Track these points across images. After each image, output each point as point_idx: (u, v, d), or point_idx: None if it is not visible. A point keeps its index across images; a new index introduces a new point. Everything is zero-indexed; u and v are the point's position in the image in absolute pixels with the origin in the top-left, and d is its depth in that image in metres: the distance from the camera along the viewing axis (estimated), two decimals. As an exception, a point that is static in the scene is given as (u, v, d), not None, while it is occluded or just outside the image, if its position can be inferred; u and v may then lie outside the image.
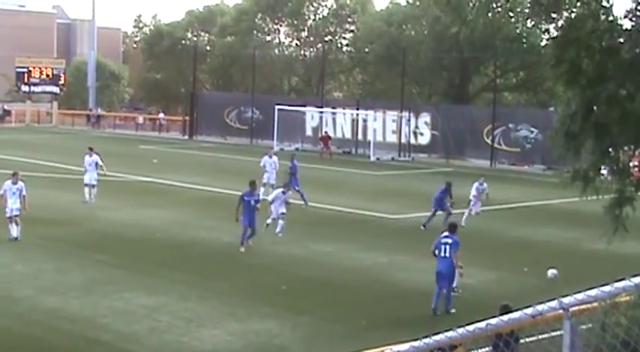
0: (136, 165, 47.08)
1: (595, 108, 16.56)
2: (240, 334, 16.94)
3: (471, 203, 31.15)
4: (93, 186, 33.55)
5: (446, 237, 19.56)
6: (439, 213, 29.49)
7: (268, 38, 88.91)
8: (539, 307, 5.52)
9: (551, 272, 21.72)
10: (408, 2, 74.80)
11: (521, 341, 10.66)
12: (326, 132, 60.63)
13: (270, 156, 36.49)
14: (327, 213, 32.78)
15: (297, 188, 33.77)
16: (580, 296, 5.34)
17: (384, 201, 35.25)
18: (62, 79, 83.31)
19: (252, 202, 25.45)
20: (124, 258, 23.62)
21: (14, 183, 25.84)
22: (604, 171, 17.49)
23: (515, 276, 22.79)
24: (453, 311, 18.85)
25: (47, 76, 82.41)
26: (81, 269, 21.93)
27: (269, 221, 27.23)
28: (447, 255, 19.26)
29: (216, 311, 18.46)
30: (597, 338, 7.39)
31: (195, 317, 17.86)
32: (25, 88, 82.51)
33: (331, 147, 58.27)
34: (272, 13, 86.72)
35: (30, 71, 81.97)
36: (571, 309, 5.39)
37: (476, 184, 31.71)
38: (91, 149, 34.93)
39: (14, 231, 25.25)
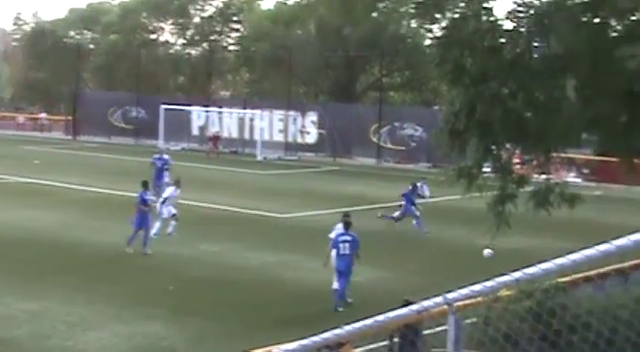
0: (17, 166, 45.94)
1: (478, 106, 16.91)
2: (127, 336, 16.71)
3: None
4: None
5: (344, 234, 19.72)
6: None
7: (153, 37, 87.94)
8: (425, 303, 5.58)
9: (487, 251, 22.39)
10: (296, 2, 75.00)
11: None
12: (217, 132, 60.39)
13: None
14: (214, 212, 32.60)
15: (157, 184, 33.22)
16: (464, 291, 5.42)
17: (272, 201, 35.26)
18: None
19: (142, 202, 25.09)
20: (5, 261, 23.02)
21: None
22: (487, 169, 17.89)
23: (402, 273, 23.07)
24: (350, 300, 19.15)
25: None
26: (-40, 274, 21.31)
27: (167, 230, 26.82)
28: (348, 252, 19.42)
29: (102, 314, 18.15)
30: (480, 332, 7.54)
31: (81, 321, 17.53)
32: None
33: (219, 147, 58.08)
34: (157, 11, 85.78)
35: None
36: (455, 304, 5.46)
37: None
38: None
39: None
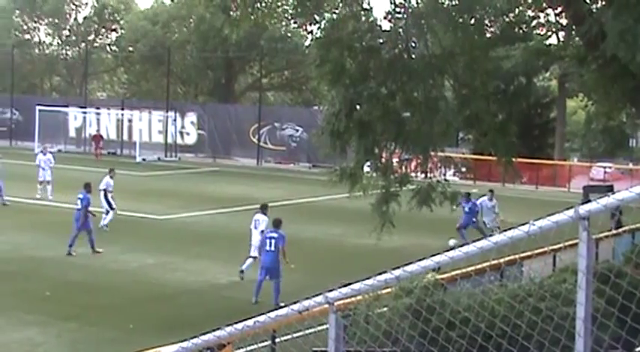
0: None
1: (358, 106, 17.05)
2: (2, 345, 16.21)
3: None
4: None
5: (271, 231, 19.79)
6: None
7: (27, 37, 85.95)
8: (306, 302, 5.56)
9: (452, 241, 22.73)
10: (172, 1, 74.35)
11: (289, 337, 10.73)
12: (98, 131, 59.49)
13: (45, 154, 36.25)
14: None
15: None
16: (345, 290, 5.41)
17: (151, 202, 34.82)
18: None
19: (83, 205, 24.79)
20: None
21: None
22: (367, 168, 18.05)
23: (284, 272, 23.03)
24: (282, 304, 18.76)
25: None
26: None
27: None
28: (273, 248, 19.47)
29: (-26, 321, 17.59)
30: (361, 330, 7.56)
31: (-48, 329, 16.95)
32: None
33: (101, 148, 57.27)
34: (31, 10, 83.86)
35: None
36: (336, 303, 5.46)
37: (484, 199, 28.39)
38: None
39: None
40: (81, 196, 25.12)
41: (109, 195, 28.44)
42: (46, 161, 35.67)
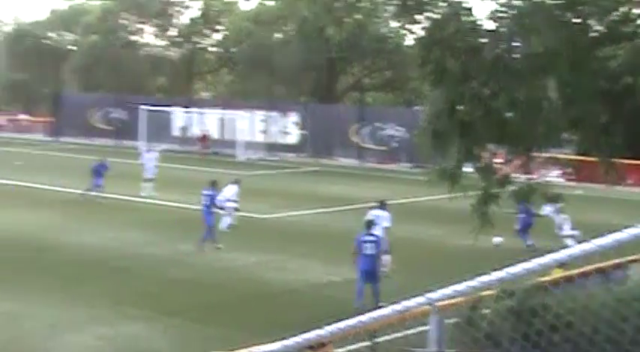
0: (-3, 167, 45.76)
1: (460, 107, 16.94)
2: (110, 338, 16.63)
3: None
4: None
5: (367, 234, 19.42)
6: None
7: (134, 38, 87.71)
8: (407, 303, 5.58)
9: (496, 239, 22.66)
10: (275, 2, 74.94)
11: (389, 337, 10.76)
12: (204, 131, 60.38)
13: (149, 152, 37.59)
14: (194, 213, 32.47)
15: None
16: (446, 291, 5.41)
17: (254, 201, 35.17)
18: None
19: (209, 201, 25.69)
20: (-15, 263, 22.90)
21: None
22: (468, 169, 17.91)
23: (383, 273, 23.04)
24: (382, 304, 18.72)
25: None
26: (-61, 276, 21.17)
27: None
28: (372, 252, 19.12)
29: (83, 316, 18.07)
30: (463, 332, 7.54)
31: (61, 323, 17.44)
32: None
33: (207, 148, 58.11)
34: (137, 12, 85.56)
35: None
36: (437, 304, 5.46)
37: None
38: None
39: None
40: (207, 193, 25.90)
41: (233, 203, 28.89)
42: (151, 159, 36.60)
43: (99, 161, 35.56)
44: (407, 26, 66.18)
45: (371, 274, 19.15)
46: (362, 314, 5.89)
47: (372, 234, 19.57)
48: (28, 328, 17.04)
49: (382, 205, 23.00)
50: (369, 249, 19.15)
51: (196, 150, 58.57)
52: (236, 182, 29.71)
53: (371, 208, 23.11)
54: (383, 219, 22.38)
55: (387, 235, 22.38)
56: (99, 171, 34.82)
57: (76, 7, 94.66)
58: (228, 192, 28.74)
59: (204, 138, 59.02)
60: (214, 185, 26.66)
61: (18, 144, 63.57)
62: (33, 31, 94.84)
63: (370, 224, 19.98)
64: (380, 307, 16.93)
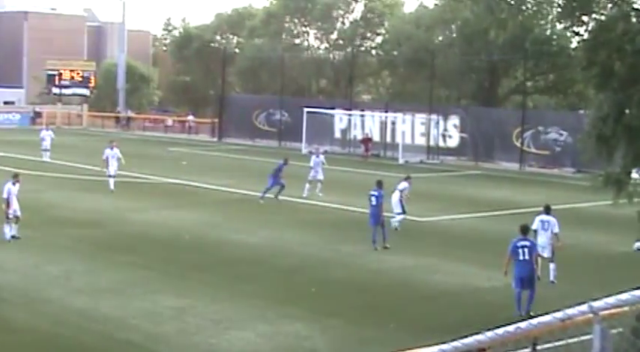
0: (165, 167, 47.30)
1: (627, 111, 16.47)
2: (270, 336, 16.95)
3: None
4: (114, 176, 36.72)
5: (522, 239, 19.02)
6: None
7: (297, 41, 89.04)
8: (569, 311, 5.49)
9: (638, 244, 22.20)
10: (437, 5, 74.63)
11: (550, 345, 10.57)
12: (367, 134, 60.70)
13: (318, 156, 38.13)
14: (354, 215, 32.75)
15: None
16: (610, 300, 5.30)
17: (413, 204, 35.15)
18: (92, 81, 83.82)
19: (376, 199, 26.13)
20: (152, 259, 23.72)
21: (14, 185, 25.70)
22: (636, 175, 17.38)
23: (545, 280, 22.63)
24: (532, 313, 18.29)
25: (78, 78, 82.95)
26: (110, 271, 22.04)
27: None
28: (527, 258, 18.76)
29: (244, 313, 18.48)
30: (628, 343, 7.34)
31: (224, 319, 17.89)
32: (55, 91, 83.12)
33: (370, 150, 58.37)
34: (301, 15, 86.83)
35: (61, 74, 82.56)
36: (601, 313, 5.36)
37: None
38: (111, 141, 38.54)
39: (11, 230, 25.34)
40: (375, 193, 26.23)
41: (404, 199, 29.21)
42: (318, 162, 37.22)
43: (282, 162, 36.13)
44: (572, 28, 64.91)
45: (527, 280, 18.73)
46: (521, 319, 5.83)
47: (526, 239, 19.12)
48: (193, 323, 17.55)
49: (547, 210, 22.48)
50: (524, 255, 18.72)
51: (357, 153, 58.89)
52: (407, 178, 30.23)
53: (537, 214, 22.63)
54: (552, 224, 21.99)
55: (556, 241, 22.00)
56: (277, 173, 35.35)
57: (240, 10, 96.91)
58: (399, 186, 29.66)
59: (366, 141, 59.29)
60: (380, 185, 26.76)
61: (184, 145, 65.56)
62: (199, 34, 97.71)
63: (526, 229, 19.49)
64: (531, 316, 16.62)
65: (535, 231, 21.53)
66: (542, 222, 21.94)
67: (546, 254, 21.65)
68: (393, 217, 28.59)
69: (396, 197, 29.04)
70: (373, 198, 26.17)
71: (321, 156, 38.34)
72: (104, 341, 16.45)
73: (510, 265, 19.00)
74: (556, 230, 21.86)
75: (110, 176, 36.73)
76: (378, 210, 25.96)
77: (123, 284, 20.70)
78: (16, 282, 20.62)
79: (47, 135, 49.12)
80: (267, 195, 34.64)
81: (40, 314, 18.03)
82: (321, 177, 37.12)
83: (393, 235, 27.35)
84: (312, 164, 37.70)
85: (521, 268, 18.70)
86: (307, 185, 36.62)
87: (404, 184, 29.65)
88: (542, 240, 21.58)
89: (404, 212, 29.09)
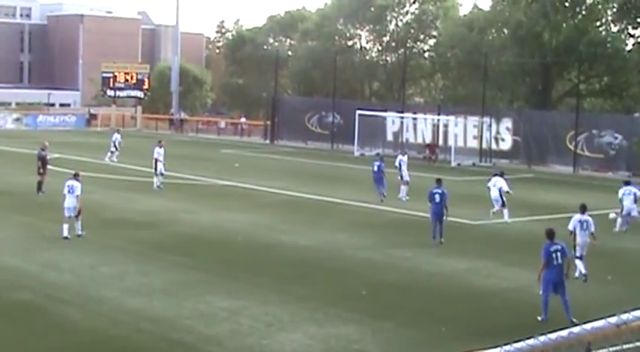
0: (217, 168, 47.61)
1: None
2: (320, 338, 17.00)
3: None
4: (162, 174, 38.10)
5: (554, 244, 18.88)
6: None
7: (350, 43, 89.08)
8: (624, 316, 5.46)
9: (612, 214, 27.04)
10: (491, 7, 74.22)
11: (605, 350, 10.52)
12: (433, 142, 60.43)
13: (404, 155, 40.01)
14: (406, 218, 32.73)
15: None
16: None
17: (465, 207, 35.00)
18: (146, 83, 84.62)
19: None
20: (205, 260, 23.91)
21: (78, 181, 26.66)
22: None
23: (599, 284, 22.43)
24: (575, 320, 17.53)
25: (132, 80, 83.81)
26: (163, 272, 22.25)
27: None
28: (560, 262, 18.66)
29: (295, 315, 18.55)
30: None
31: (276, 321, 17.98)
32: (110, 93, 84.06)
33: (436, 156, 58.21)
34: (354, 18, 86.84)
35: (115, 76, 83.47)
36: (657, 319, 5.32)
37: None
38: (160, 141, 39.66)
39: (66, 230, 25.93)
40: (439, 191, 27.37)
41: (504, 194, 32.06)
42: (403, 162, 38.59)
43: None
44: (627, 30, 64.17)
45: (559, 285, 18.55)
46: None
47: (557, 243, 18.92)
48: (245, 324, 17.67)
49: (584, 210, 22.90)
50: (557, 259, 18.61)
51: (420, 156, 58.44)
52: (501, 174, 33.51)
53: (574, 213, 23.29)
54: (590, 224, 22.50)
55: (593, 239, 22.68)
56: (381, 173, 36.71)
57: (293, 13, 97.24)
58: (501, 184, 32.48)
59: (432, 148, 59.00)
60: (440, 183, 28.16)
61: (237, 147, 65.93)
62: (252, 36, 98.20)
63: (552, 233, 19.19)
64: (573, 323, 16.39)
65: (572, 232, 22.30)
66: (581, 222, 22.41)
67: (584, 253, 22.33)
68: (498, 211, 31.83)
69: (495, 193, 32.28)
70: (437, 196, 27.18)
71: (405, 156, 39.73)
72: (157, 341, 16.62)
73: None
74: (592, 229, 22.44)
75: (156, 175, 38.11)
76: (441, 206, 27.07)
77: (176, 285, 20.89)
78: (72, 282, 20.91)
79: (116, 138, 50.09)
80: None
81: (96, 314, 18.26)
82: (407, 178, 38.18)
83: (446, 239, 27.28)
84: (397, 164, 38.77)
85: (555, 273, 18.57)
86: (402, 186, 37.80)
87: (500, 181, 32.35)
88: (581, 239, 22.26)
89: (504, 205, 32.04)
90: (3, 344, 16.02)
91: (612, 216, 30.11)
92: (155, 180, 38.03)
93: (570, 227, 22.48)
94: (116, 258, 23.82)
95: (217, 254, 24.95)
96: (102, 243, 25.66)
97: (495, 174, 33.89)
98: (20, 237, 26.16)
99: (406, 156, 39.81)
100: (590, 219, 22.64)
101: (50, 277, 21.35)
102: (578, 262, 22.14)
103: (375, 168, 36.62)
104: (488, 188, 32.98)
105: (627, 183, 29.17)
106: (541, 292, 18.61)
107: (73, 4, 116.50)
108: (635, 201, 30.26)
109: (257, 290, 20.59)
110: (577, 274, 22.00)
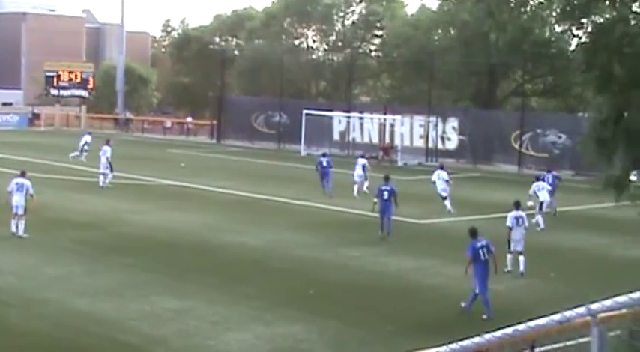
0: (164, 168, 47.29)
1: (626, 114, 16.49)
2: (267, 338, 16.98)
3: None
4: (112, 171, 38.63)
5: (479, 241, 19.44)
6: None
7: (296, 43, 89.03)
8: (567, 313, 5.52)
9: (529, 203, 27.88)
10: (439, 7, 74.65)
11: (548, 347, 10.61)
12: (388, 142, 60.45)
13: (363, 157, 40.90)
14: (354, 217, 32.80)
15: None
16: (608, 302, 5.33)
17: (411, 206, 35.16)
18: (91, 82, 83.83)
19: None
20: (152, 261, 23.74)
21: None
22: (635, 178, 17.41)
23: (542, 282, 22.68)
24: (484, 316, 18.72)
25: (76, 79, 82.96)
26: (110, 273, 22.06)
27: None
28: (487, 257, 19.26)
29: (243, 315, 18.50)
30: (625, 346, 7.36)
31: (223, 321, 17.92)
32: (54, 92, 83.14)
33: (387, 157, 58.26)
34: (300, 17, 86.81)
35: (59, 75, 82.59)
36: (599, 316, 5.38)
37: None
38: (108, 140, 40.49)
39: (14, 226, 26.04)
40: (388, 188, 28.45)
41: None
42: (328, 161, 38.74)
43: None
44: (571, 31, 64.94)
45: (486, 278, 19.20)
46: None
47: (482, 240, 19.51)
48: (192, 324, 17.59)
49: (518, 206, 24.11)
50: (484, 255, 19.23)
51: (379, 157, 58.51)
52: (442, 167, 35.79)
53: (509, 211, 24.04)
54: (525, 219, 23.80)
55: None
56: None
57: (240, 12, 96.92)
58: (444, 175, 34.73)
59: (386, 149, 59.13)
60: (388, 180, 29.09)
61: (183, 146, 65.56)
62: (198, 35, 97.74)
63: (475, 231, 19.74)
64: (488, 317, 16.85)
65: (510, 228, 23.21)
66: (517, 217, 23.47)
67: (520, 248, 23.08)
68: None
69: (441, 185, 34.67)
70: (385, 193, 28.16)
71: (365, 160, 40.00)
72: (103, 343, 16.47)
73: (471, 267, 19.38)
74: (527, 224, 23.83)
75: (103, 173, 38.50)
76: (389, 203, 28.11)
77: (122, 285, 20.72)
78: (15, 284, 20.63)
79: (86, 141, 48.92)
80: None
81: (39, 316, 18.04)
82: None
83: (393, 238, 27.37)
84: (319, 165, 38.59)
85: (483, 269, 19.18)
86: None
87: (442, 173, 35.05)
88: (518, 234, 23.17)
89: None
90: (-56, 348, 15.75)
91: (530, 204, 31.05)
92: (101, 178, 37.81)
93: (508, 223, 23.40)
94: (61, 258, 23.56)
95: (164, 254, 24.78)
96: (47, 244, 25.36)
97: (437, 168, 36.50)
98: (-38, 239, 25.76)
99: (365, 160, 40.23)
100: (524, 214, 23.84)
101: (-7, 279, 21.04)
102: (509, 256, 23.03)
103: (325, 163, 37.99)
104: (434, 182, 34.78)
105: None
106: (477, 290, 19.06)
107: (14, 1, 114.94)
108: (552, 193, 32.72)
109: (204, 291, 20.50)
110: (509, 268, 22.91)
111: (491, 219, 32.47)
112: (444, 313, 19.52)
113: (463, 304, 19.26)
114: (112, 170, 38.31)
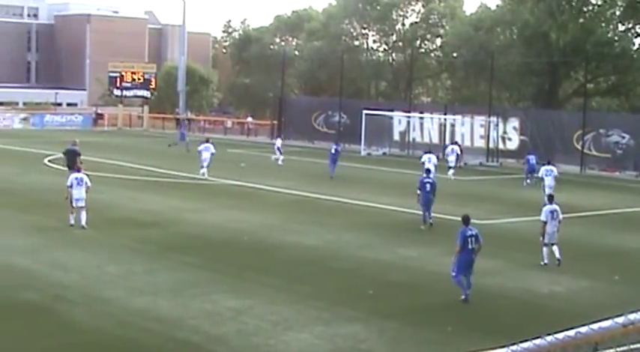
0: (224, 168, 47.56)
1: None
2: (327, 338, 16.97)
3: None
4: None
5: (469, 229, 20.29)
6: None
7: (356, 43, 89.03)
8: (631, 316, 5.44)
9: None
10: (498, 6, 74.11)
11: (612, 350, 10.49)
12: (456, 142, 60.06)
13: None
14: (413, 217, 32.67)
15: None
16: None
17: (471, 207, 34.95)
18: (153, 83, 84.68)
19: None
20: (211, 260, 23.89)
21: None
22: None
23: (606, 284, 22.39)
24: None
25: (139, 80, 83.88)
26: (170, 271, 22.24)
27: None
28: (474, 246, 20.01)
29: (302, 314, 18.52)
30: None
31: (282, 321, 17.96)
32: (117, 92, 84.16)
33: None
34: (360, 18, 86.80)
35: (122, 76, 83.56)
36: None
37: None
38: (207, 139, 44.32)
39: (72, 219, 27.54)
40: (430, 180, 29.74)
41: None
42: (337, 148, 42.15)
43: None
44: (634, 29, 64.07)
45: (470, 266, 19.93)
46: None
47: (472, 229, 20.29)
48: (252, 324, 17.64)
49: (551, 199, 25.15)
50: (472, 243, 19.95)
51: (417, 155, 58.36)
52: (429, 151, 37.63)
53: (543, 205, 25.47)
54: (559, 212, 24.33)
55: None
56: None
57: (299, 12, 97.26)
58: (434, 159, 38.23)
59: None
60: (429, 172, 31.03)
61: (243, 147, 65.93)
62: (259, 36, 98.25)
63: (468, 219, 20.61)
64: (466, 298, 17.27)
65: (545, 222, 23.79)
66: (552, 211, 24.08)
67: (554, 240, 23.75)
68: None
69: (431, 167, 35.87)
70: (428, 185, 29.52)
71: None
72: (164, 341, 16.60)
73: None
74: (561, 217, 24.26)
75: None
76: (432, 194, 29.40)
77: (182, 284, 20.88)
78: (79, 282, 20.92)
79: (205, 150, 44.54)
80: None
81: (102, 313, 18.25)
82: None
83: (450, 238, 27.20)
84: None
85: (468, 256, 19.88)
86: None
87: (433, 157, 38.08)
88: (552, 227, 23.80)
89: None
90: (9, 344, 16.02)
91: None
92: (203, 171, 42.35)
93: (543, 217, 23.96)
94: (123, 257, 23.82)
95: (223, 253, 24.93)
96: (109, 243, 25.67)
97: (425, 152, 41.90)
98: (27, 237, 26.18)
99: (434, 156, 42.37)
100: (558, 208, 24.30)
101: (57, 277, 21.35)
102: (544, 249, 23.73)
103: (333, 151, 44.26)
104: (423, 163, 38.89)
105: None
106: (454, 273, 19.86)
107: (79, 3, 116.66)
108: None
109: (264, 290, 20.58)
110: (545, 261, 23.66)
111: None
112: (504, 314, 19.36)
113: (463, 297, 19.78)
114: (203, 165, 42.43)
